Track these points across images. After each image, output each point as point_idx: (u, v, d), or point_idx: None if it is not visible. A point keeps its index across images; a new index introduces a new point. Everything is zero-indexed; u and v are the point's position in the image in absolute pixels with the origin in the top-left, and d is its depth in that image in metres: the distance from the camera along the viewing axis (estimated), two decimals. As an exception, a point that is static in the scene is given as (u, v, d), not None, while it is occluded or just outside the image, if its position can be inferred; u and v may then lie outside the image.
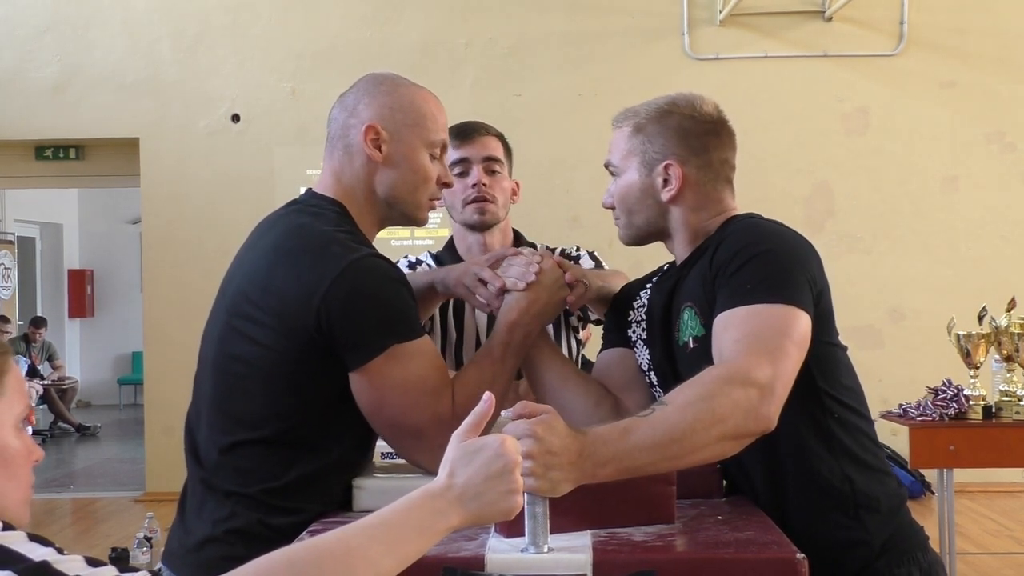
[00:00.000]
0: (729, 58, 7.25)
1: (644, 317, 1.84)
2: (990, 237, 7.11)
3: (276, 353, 1.61)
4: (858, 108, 7.14)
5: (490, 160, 2.32)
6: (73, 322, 12.96)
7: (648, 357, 1.81)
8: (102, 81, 7.47)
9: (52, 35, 7.50)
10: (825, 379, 1.63)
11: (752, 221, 1.70)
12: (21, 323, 10.97)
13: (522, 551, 1.32)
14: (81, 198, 12.65)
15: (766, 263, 1.56)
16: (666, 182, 1.72)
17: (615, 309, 1.93)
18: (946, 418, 3.97)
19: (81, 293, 12.92)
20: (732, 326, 1.53)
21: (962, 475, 5.52)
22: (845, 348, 1.71)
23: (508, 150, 2.39)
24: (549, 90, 7.34)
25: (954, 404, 3.99)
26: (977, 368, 4.07)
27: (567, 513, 1.37)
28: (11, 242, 10.89)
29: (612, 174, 1.80)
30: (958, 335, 4.08)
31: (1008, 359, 4.05)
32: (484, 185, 2.30)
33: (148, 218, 7.55)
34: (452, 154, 2.30)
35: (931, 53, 7.20)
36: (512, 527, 1.37)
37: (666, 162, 1.72)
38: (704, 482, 1.65)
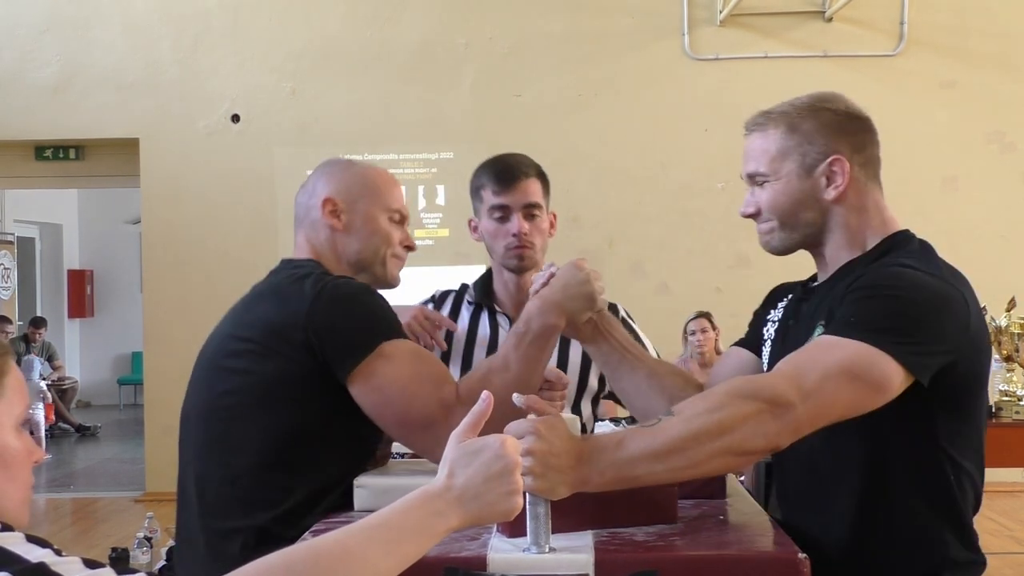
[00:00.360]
0: (729, 58, 7.25)
1: (780, 319, 1.77)
2: (990, 237, 7.11)
3: (266, 377, 1.67)
4: (858, 108, 7.14)
5: (530, 207, 2.29)
6: (73, 322, 12.95)
7: (768, 359, 1.75)
8: (102, 81, 7.47)
9: (52, 35, 7.50)
10: (951, 442, 1.53)
11: (905, 269, 1.53)
12: (21, 323, 10.96)
13: (524, 551, 1.32)
14: (81, 198, 12.63)
15: (884, 305, 1.47)
16: (829, 180, 1.63)
17: (766, 302, 1.85)
18: (946, 418, 3.96)
19: (81, 293, 12.91)
20: (801, 349, 1.48)
21: (962, 475, 5.52)
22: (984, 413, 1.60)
23: (547, 185, 2.35)
24: (549, 90, 7.34)
25: (954, 404, 3.98)
26: (977, 368, 4.07)
27: (569, 513, 1.38)
28: (11, 242, 10.88)
29: (757, 183, 1.68)
30: (958, 335, 4.08)
31: (1008, 359, 4.05)
32: (524, 234, 2.28)
33: (148, 218, 7.55)
34: (491, 199, 2.29)
35: (931, 53, 7.21)
36: (514, 527, 1.37)
37: (831, 158, 1.62)
38: (706, 482, 1.65)
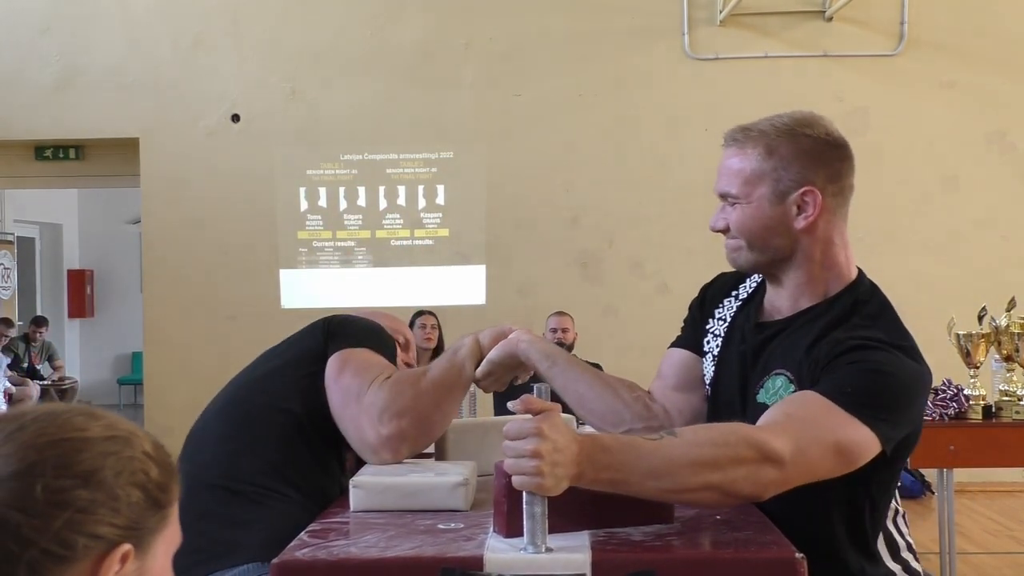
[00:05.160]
0: (729, 58, 7.25)
1: (723, 334, 1.78)
2: (990, 237, 7.11)
3: (289, 366, 1.92)
4: (858, 108, 7.14)
5: None
6: (73, 322, 12.94)
7: (712, 377, 1.77)
8: (102, 81, 7.47)
9: (52, 35, 7.50)
10: (881, 491, 1.63)
11: (893, 348, 1.56)
12: (21, 323, 10.97)
13: (521, 551, 1.32)
14: (81, 198, 12.62)
15: (879, 384, 1.52)
16: (800, 209, 1.63)
17: (701, 305, 1.86)
18: (946, 418, 3.96)
19: (81, 293, 12.90)
20: (797, 403, 1.52)
21: (962, 475, 5.52)
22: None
23: None
24: (549, 90, 7.33)
25: (954, 404, 3.98)
26: (977, 368, 4.07)
27: (566, 513, 1.37)
28: (11, 242, 10.88)
29: (728, 202, 1.68)
30: (958, 335, 4.08)
31: (1008, 359, 4.05)
32: None
33: (148, 218, 7.55)
34: None
35: (931, 53, 7.20)
36: (511, 527, 1.37)
37: (804, 188, 1.62)
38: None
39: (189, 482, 1.81)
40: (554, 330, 5.94)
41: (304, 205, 7.46)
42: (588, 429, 1.83)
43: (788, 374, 1.62)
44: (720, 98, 7.06)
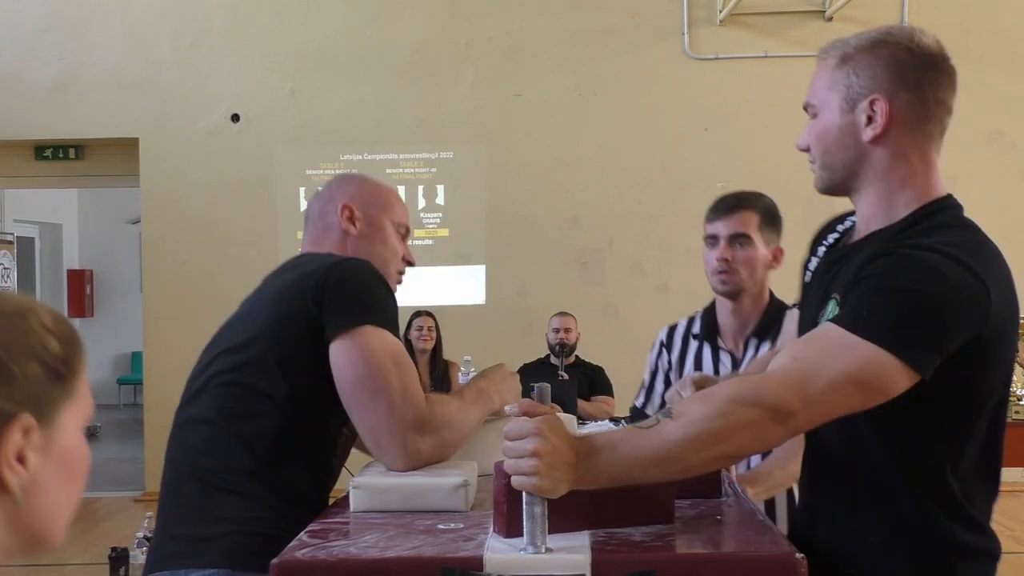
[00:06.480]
0: (729, 58, 7.25)
1: (815, 269, 1.71)
2: (990, 237, 7.11)
3: (274, 337, 1.77)
4: (858, 108, 7.15)
5: (736, 236, 2.46)
6: (73, 322, 12.94)
7: (799, 311, 1.73)
8: (102, 81, 7.47)
9: (52, 35, 7.50)
10: (954, 422, 1.50)
11: (923, 253, 1.44)
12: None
13: (521, 551, 1.32)
14: (81, 198, 12.63)
15: (899, 301, 1.40)
16: (870, 119, 1.53)
17: (809, 249, 1.78)
18: (946, 418, 3.96)
19: (80, 293, 12.90)
20: (808, 341, 1.45)
21: (962, 475, 5.51)
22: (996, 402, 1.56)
23: (768, 220, 2.48)
24: (549, 90, 7.34)
25: (954, 404, 3.98)
26: (977, 368, 4.07)
27: (566, 513, 1.37)
28: (11, 242, 10.87)
29: (809, 114, 1.61)
30: (958, 335, 4.08)
31: (1008, 359, 4.05)
32: (726, 260, 2.46)
33: (148, 218, 7.55)
34: (706, 228, 2.51)
35: (931, 53, 7.20)
36: (511, 527, 1.37)
37: (872, 96, 1.52)
38: (703, 482, 1.65)
39: (177, 468, 1.79)
40: (556, 330, 5.91)
41: (304, 205, 7.46)
42: (589, 429, 1.82)
43: (838, 297, 1.52)
44: (720, 98, 7.06)
